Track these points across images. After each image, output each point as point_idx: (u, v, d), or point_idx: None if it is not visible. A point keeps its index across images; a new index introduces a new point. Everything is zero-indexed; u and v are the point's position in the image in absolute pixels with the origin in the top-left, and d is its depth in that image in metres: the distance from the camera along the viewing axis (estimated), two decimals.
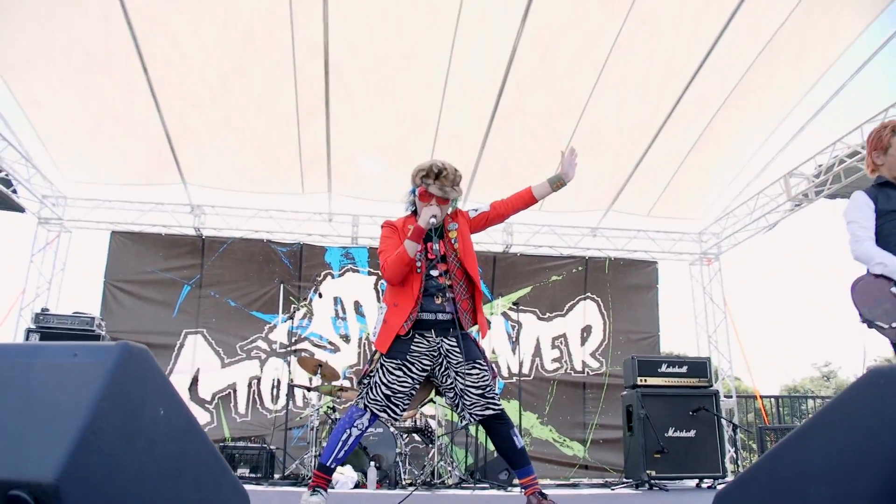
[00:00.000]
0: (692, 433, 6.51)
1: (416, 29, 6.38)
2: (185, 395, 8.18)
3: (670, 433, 6.45)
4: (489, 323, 3.38)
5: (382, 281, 8.90)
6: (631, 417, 6.67)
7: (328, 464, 3.19)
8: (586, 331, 9.31)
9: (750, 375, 10.36)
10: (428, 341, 3.23)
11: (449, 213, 3.48)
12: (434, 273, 3.32)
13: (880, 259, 2.89)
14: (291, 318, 8.53)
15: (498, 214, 3.57)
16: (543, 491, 3.16)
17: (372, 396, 3.19)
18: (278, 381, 8.34)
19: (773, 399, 11.13)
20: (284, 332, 8.62)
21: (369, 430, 6.10)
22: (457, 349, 3.22)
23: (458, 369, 3.19)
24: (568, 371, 9.11)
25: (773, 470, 1.28)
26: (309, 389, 7.13)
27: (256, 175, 8.28)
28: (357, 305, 8.90)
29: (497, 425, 3.20)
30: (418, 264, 3.29)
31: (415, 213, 3.46)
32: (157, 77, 6.77)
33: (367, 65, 6.76)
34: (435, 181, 3.33)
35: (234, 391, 8.39)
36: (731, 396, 9.08)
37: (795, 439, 1.22)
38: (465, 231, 3.46)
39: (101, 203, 8.59)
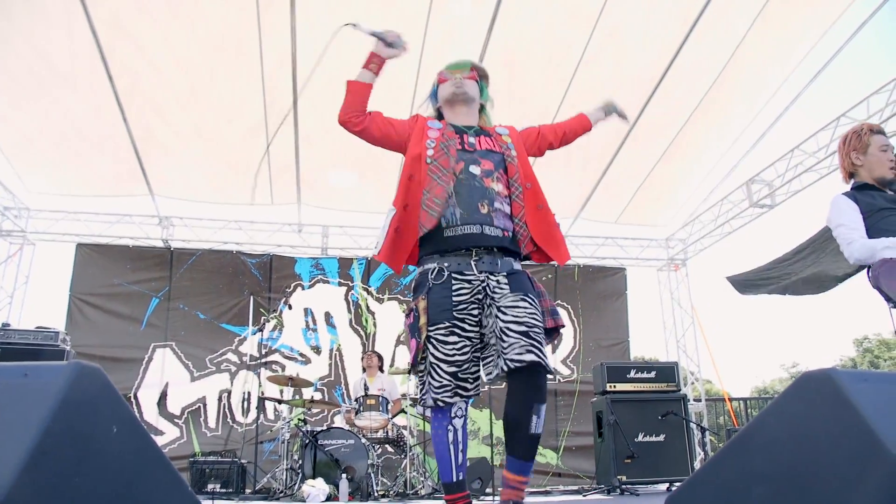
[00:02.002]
0: (662, 437, 6.59)
1: None
2: (153, 410, 8.09)
3: (640, 438, 6.53)
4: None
5: (353, 292, 8.90)
6: (601, 423, 6.73)
7: (454, 479, 2.41)
8: (557, 338, 9.35)
9: (718, 378, 10.52)
10: (470, 283, 2.40)
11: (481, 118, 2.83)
12: (475, 171, 2.49)
13: (885, 244, 2.72)
14: (261, 330, 8.47)
15: (547, 143, 2.98)
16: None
17: (437, 383, 2.35)
18: (249, 395, 8.28)
19: (742, 401, 11.31)
20: (254, 344, 8.56)
21: (346, 443, 6.10)
22: (505, 284, 2.41)
23: (500, 304, 2.37)
24: None
25: (719, 471, 1.32)
26: (280, 402, 7.08)
27: (225, 185, 8.22)
28: (328, 316, 8.87)
29: (529, 386, 2.32)
30: (434, 152, 2.51)
31: (439, 118, 2.82)
32: (124, 87, 6.69)
33: (335, 75, 6.73)
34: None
35: (204, 405, 8.30)
36: (700, 400, 9.21)
37: (739, 441, 1.26)
38: (516, 137, 2.79)
39: (67, 215, 8.48)
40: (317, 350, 8.73)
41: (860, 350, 35.45)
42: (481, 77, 2.82)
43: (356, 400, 6.77)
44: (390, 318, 8.96)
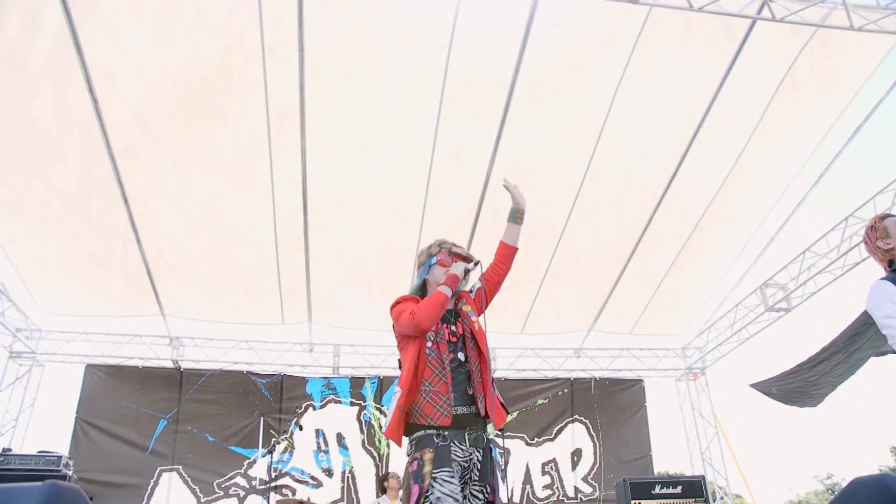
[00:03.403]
0: None
1: (393, 164, 6.59)
2: None
3: None
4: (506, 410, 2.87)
5: (365, 412, 8.70)
6: None
7: None
8: (576, 454, 9.03)
9: (749, 492, 10.01)
10: (462, 450, 2.66)
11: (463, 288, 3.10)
12: (461, 357, 2.82)
13: None
14: (271, 452, 8.18)
15: (493, 283, 3.16)
16: None
17: None
18: None
19: None
20: (264, 467, 8.26)
21: None
22: (478, 464, 2.69)
23: (472, 488, 2.66)
24: (560, 497, 8.75)
25: None
26: None
27: (236, 306, 8.23)
28: (340, 437, 8.61)
29: None
30: (432, 345, 2.78)
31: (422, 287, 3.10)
32: (138, 211, 6.84)
33: (344, 198, 6.90)
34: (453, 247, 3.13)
35: None
36: None
37: None
38: (473, 307, 3.04)
39: (77, 335, 8.46)
40: (328, 472, 8.42)
41: None
42: (477, 263, 3.10)
43: None
44: None
